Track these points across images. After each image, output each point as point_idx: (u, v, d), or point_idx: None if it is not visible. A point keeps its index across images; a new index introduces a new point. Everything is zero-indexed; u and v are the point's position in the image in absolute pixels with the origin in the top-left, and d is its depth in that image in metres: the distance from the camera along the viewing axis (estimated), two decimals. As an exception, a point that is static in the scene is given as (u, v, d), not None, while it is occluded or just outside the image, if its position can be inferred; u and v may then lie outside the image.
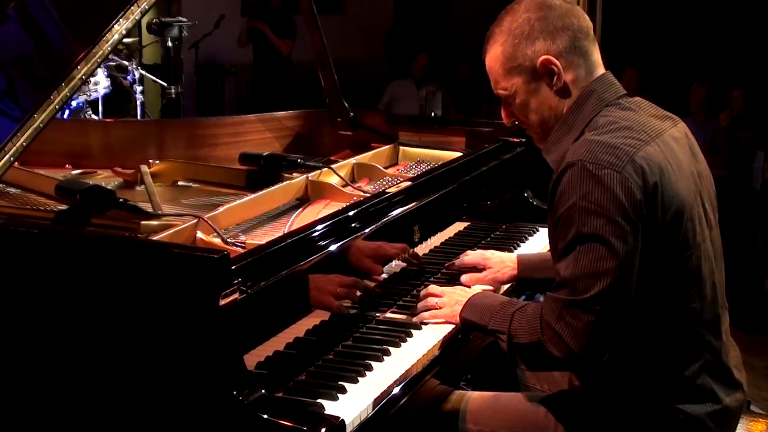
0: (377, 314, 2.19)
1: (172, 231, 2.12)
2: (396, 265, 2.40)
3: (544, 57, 1.91)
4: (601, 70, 1.97)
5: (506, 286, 2.44)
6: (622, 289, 1.77)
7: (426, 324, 2.14)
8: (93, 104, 5.47)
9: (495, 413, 2.09)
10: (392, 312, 2.23)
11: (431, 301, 2.17)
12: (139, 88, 5.65)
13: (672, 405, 1.89)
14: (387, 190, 2.43)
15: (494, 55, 1.99)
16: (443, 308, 2.14)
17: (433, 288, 2.22)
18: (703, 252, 1.90)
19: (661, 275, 1.84)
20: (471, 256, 2.46)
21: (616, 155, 1.79)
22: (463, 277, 2.39)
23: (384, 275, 2.31)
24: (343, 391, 1.80)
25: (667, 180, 1.82)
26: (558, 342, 1.81)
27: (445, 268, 2.50)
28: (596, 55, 1.97)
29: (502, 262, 2.43)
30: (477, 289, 2.31)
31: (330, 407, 1.73)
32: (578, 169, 1.79)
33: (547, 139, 2.00)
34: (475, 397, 2.15)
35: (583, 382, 2.06)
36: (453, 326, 2.14)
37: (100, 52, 2.18)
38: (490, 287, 2.37)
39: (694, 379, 1.89)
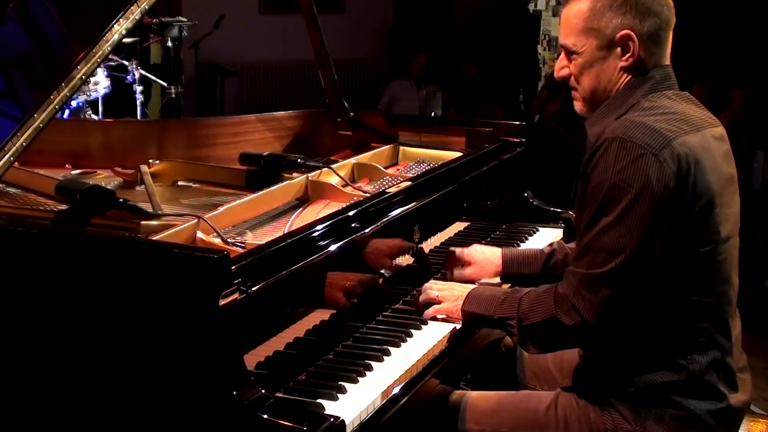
0: (378, 314, 2.19)
1: (172, 231, 2.12)
2: (396, 264, 2.41)
3: (626, 32, 1.92)
4: (665, 61, 1.99)
5: (494, 282, 2.46)
6: (639, 267, 1.81)
7: (426, 322, 2.15)
8: (93, 104, 5.46)
9: (495, 412, 2.10)
10: (393, 311, 2.23)
11: (431, 294, 2.18)
12: (139, 88, 5.64)
13: (675, 399, 1.90)
14: (387, 190, 2.43)
15: (578, 10, 1.97)
16: (444, 303, 2.16)
17: (431, 284, 2.24)
18: (726, 251, 1.92)
19: (681, 264, 1.86)
20: (456, 253, 2.46)
21: (655, 138, 1.82)
22: (447, 275, 2.42)
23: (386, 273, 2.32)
24: (343, 391, 1.80)
25: (701, 171, 1.85)
26: (573, 314, 1.85)
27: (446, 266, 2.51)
28: (667, 49, 1.99)
29: (485, 258, 2.45)
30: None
31: (330, 407, 1.73)
32: (615, 145, 1.82)
33: (589, 108, 2.03)
34: (475, 396, 2.16)
35: (585, 377, 2.07)
36: (453, 326, 2.14)
37: (100, 52, 2.18)
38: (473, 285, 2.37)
39: (701, 375, 1.90)
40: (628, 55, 1.94)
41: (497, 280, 2.46)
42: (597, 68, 1.97)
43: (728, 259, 1.93)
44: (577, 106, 2.05)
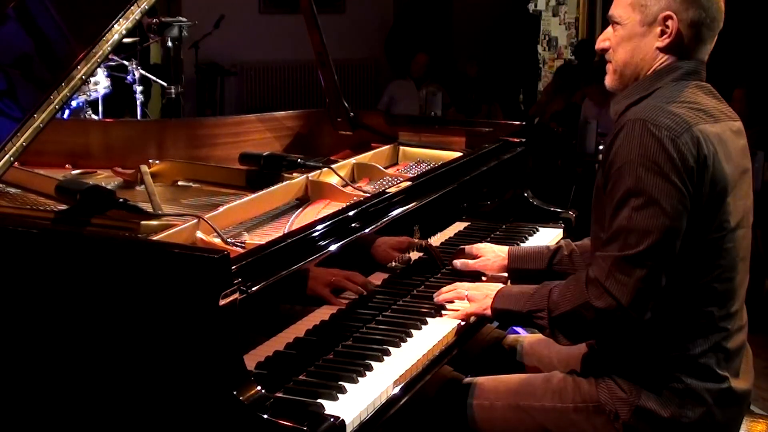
0: (378, 314, 2.20)
1: (172, 231, 2.12)
2: (408, 256, 2.42)
3: (669, 13, 1.95)
4: (701, 58, 2.02)
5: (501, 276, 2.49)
6: (670, 246, 1.84)
7: (427, 322, 2.15)
8: (93, 104, 5.46)
9: (495, 389, 2.14)
10: (392, 311, 2.23)
11: (461, 293, 2.21)
12: (139, 88, 5.64)
13: (674, 375, 1.93)
14: (387, 190, 2.43)
15: None
16: (473, 303, 2.18)
17: (459, 284, 2.27)
18: (735, 240, 1.94)
19: (691, 249, 1.88)
20: (465, 249, 2.52)
21: (677, 122, 1.86)
22: (456, 261, 2.47)
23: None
24: (343, 391, 1.80)
25: (719, 159, 1.89)
26: (606, 297, 1.86)
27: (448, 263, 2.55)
28: (707, 48, 2.02)
29: (493, 252, 2.50)
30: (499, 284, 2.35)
31: (330, 407, 1.73)
32: (639, 127, 1.86)
33: (618, 81, 2.05)
34: (480, 380, 2.20)
35: (587, 358, 2.11)
36: (453, 326, 2.15)
37: (100, 52, 2.18)
38: (485, 278, 2.45)
39: (702, 357, 1.93)
40: (665, 36, 1.96)
41: (504, 275, 2.48)
42: (634, 43, 2.00)
43: (736, 248, 1.95)
44: (608, 79, 2.09)
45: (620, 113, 1.99)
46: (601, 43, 2.07)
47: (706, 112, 1.94)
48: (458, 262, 2.46)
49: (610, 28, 2.05)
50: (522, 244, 2.81)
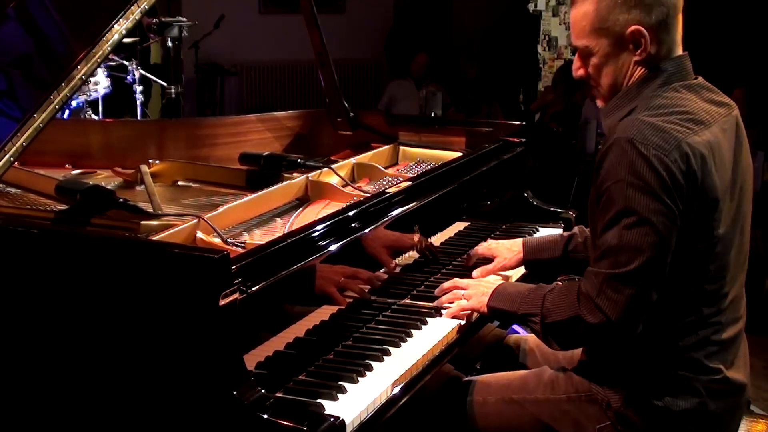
0: (378, 313, 2.20)
1: (172, 231, 2.12)
2: (408, 256, 2.42)
3: (635, 27, 1.93)
4: (678, 49, 1.99)
5: (520, 273, 2.50)
6: (660, 264, 1.84)
7: (427, 322, 2.16)
8: (93, 104, 5.46)
9: (488, 385, 2.18)
10: (392, 311, 2.23)
11: (458, 293, 2.22)
12: (139, 88, 5.65)
13: (668, 369, 1.94)
14: (387, 190, 2.43)
15: (584, 12, 1.98)
16: (470, 300, 2.19)
17: (457, 281, 2.27)
18: (727, 241, 1.94)
19: (681, 258, 1.88)
20: (479, 250, 2.53)
21: (665, 139, 1.84)
22: (475, 272, 2.46)
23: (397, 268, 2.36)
24: (343, 391, 1.80)
25: (709, 171, 1.87)
26: (597, 313, 1.87)
27: (457, 262, 2.56)
28: (678, 34, 1.98)
29: (507, 249, 2.51)
30: (499, 279, 2.39)
31: (330, 407, 1.73)
32: (628, 146, 1.84)
33: (607, 100, 2.03)
34: (476, 378, 2.22)
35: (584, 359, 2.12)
36: (453, 326, 2.15)
37: (100, 52, 2.19)
38: (500, 277, 2.45)
39: (686, 352, 1.93)
40: (640, 50, 1.94)
41: (521, 269, 2.50)
42: (612, 65, 1.98)
43: (726, 249, 1.94)
44: (599, 103, 2.07)
45: (611, 128, 1.97)
46: (576, 72, 2.05)
47: (696, 119, 1.91)
48: (477, 272, 2.46)
49: (577, 56, 2.02)
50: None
